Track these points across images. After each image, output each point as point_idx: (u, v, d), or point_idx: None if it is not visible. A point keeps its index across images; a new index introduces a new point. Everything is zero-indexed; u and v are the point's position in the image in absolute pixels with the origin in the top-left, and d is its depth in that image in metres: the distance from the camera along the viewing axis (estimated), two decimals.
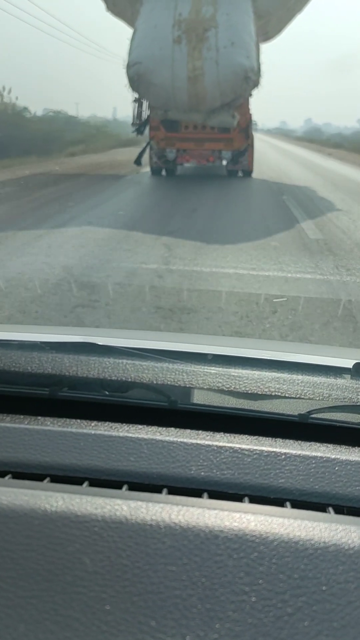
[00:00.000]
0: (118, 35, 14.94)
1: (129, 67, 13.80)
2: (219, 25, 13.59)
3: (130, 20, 15.34)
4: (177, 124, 14.89)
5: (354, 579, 0.59)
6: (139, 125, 15.71)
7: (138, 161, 15.91)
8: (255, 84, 14.05)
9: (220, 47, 13.47)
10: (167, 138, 15.00)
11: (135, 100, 15.53)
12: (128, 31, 14.77)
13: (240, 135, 14.96)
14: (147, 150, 15.56)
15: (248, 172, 15.60)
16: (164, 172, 15.71)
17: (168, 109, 14.46)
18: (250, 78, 13.54)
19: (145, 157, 15.78)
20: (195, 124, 14.81)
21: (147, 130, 15.59)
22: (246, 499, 0.75)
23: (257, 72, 13.92)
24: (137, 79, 13.72)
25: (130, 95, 14.90)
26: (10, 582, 0.59)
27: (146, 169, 16.10)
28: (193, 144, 15.01)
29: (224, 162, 15.30)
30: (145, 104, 15.55)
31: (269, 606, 0.57)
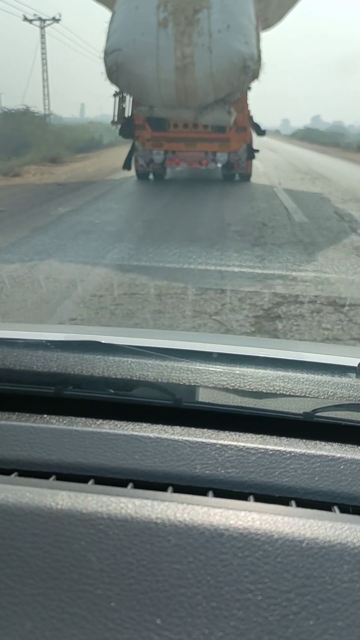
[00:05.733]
0: (88, 23, 12.72)
1: (106, 54, 11.72)
2: (213, 6, 11.50)
3: (111, 4, 13.30)
4: (165, 122, 12.91)
5: (359, 578, 0.59)
6: (122, 123, 13.67)
7: (127, 165, 13.83)
8: (255, 75, 12.00)
9: (213, 32, 11.42)
10: (153, 138, 13.03)
11: (116, 94, 13.48)
12: (100, 17, 12.74)
13: (237, 135, 13.00)
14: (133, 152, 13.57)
15: (246, 177, 13.67)
16: (151, 177, 13.73)
17: (153, 105, 12.45)
18: (249, 67, 11.49)
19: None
20: (185, 122, 12.81)
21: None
22: (251, 497, 0.74)
23: (258, 61, 11.86)
24: (115, 68, 11.64)
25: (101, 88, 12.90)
26: (17, 579, 0.59)
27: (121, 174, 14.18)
28: (183, 144, 13.05)
29: (219, 165, 13.31)
30: (128, 99, 13.54)
31: (274, 605, 0.57)
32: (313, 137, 48.81)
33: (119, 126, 13.79)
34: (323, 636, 0.55)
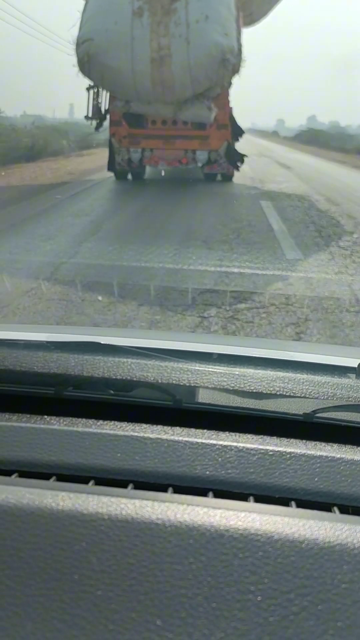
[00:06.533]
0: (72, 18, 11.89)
1: (77, 45, 11.03)
2: None
3: None
4: (143, 119, 12.23)
5: (359, 579, 0.59)
6: (97, 118, 13.01)
7: (111, 167, 13.03)
8: (235, 69, 11.31)
9: (191, 22, 10.79)
10: (130, 135, 12.35)
11: (90, 88, 12.82)
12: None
13: (218, 132, 12.35)
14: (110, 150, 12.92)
15: (228, 177, 13.03)
16: (130, 176, 13.10)
17: (130, 99, 11.81)
18: (229, 61, 10.83)
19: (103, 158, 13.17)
20: (164, 119, 12.16)
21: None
22: (251, 498, 0.74)
23: (238, 55, 11.21)
24: (87, 60, 10.95)
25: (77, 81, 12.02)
26: (17, 580, 0.59)
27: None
28: (162, 142, 12.38)
29: (199, 164, 12.69)
30: (105, 94, 12.91)
31: (274, 605, 0.57)
32: (321, 140, 39.18)
33: (97, 122, 13.12)
34: (323, 637, 0.55)
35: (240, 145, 13.44)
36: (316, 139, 40.82)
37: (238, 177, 13.25)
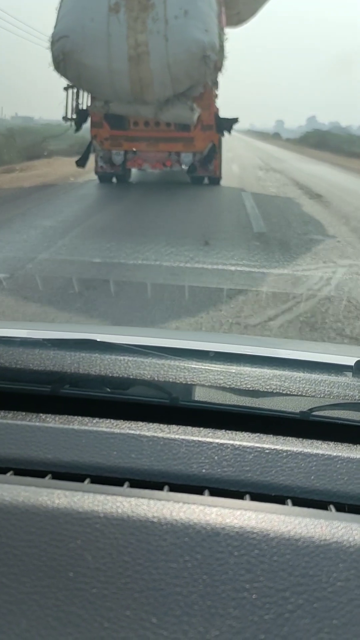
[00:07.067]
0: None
1: (52, 42, 10.67)
2: None
3: None
4: (124, 120, 11.85)
5: (355, 577, 0.59)
6: (76, 118, 12.58)
7: (82, 162, 12.72)
8: (217, 67, 10.99)
9: (169, 18, 10.42)
10: (112, 137, 11.98)
11: (67, 88, 12.43)
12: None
13: (203, 133, 11.94)
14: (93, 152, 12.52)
15: (216, 180, 12.61)
16: (114, 180, 12.69)
17: (109, 99, 11.41)
18: (210, 58, 10.43)
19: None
20: (146, 120, 11.77)
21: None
22: (247, 496, 0.74)
23: (220, 52, 10.86)
24: (62, 58, 10.59)
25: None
26: (13, 578, 0.59)
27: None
28: (145, 144, 12.00)
29: (184, 167, 12.26)
30: (85, 94, 12.52)
31: (269, 603, 0.57)
32: (331, 143, 32.90)
33: (75, 122, 12.68)
34: (319, 634, 0.55)
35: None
36: (325, 141, 34.94)
37: (238, 245, 6.75)
